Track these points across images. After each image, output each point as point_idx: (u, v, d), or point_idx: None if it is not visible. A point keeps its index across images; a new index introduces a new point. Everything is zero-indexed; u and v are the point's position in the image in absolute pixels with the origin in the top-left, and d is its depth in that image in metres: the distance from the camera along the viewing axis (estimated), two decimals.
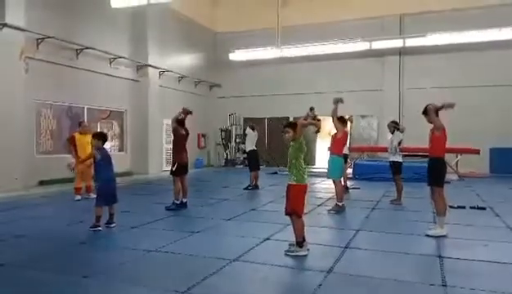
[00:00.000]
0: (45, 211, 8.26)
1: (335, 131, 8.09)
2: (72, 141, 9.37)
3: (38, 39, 11.43)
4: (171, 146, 8.74)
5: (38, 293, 3.80)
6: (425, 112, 6.04)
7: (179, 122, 8.16)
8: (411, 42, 15.95)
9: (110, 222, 6.41)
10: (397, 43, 16.43)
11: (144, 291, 3.84)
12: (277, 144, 19.66)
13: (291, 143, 5.04)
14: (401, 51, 17.31)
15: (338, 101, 7.82)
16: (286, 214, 5.05)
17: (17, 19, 10.50)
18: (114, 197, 6.46)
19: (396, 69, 17.61)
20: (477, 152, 14.43)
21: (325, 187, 11.36)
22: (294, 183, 4.98)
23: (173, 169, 8.07)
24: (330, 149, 8.28)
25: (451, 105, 5.92)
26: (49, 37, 11.57)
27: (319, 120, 6.19)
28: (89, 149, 7.72)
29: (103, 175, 6.43)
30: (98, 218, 6.23)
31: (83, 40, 12.83)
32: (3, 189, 9.74)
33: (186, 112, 8.21)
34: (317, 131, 5.55)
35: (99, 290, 3.91)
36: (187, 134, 8.35)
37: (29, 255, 5.03)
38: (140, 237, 5.95)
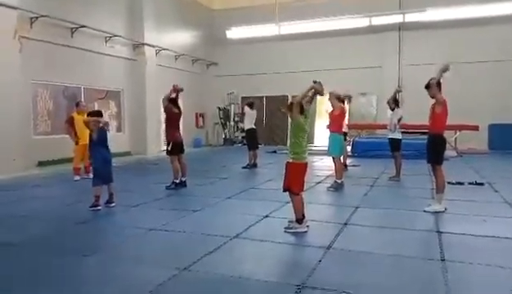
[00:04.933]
0: (44, 191, 8.27)
1: (332, 109, 8.07)
2: (71, 122, 9.32)
3: (31, 18, 11.23)
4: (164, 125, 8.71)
5: (39, 273, 3.82)
6: (428, 86, 5.97)
7: (172, 101, 8.08)
8: (411, 18, 15.74)
9: (109, 202, 6.41)
10: (396, 19, 16.20)
11: (144, 268, 3.86)
12: (276, 123, 19.63)
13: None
14: (401, 27, 17.08)
15: (345, 97, 7.85)
16: (283, 190, 5.07)
17: None
18: (110, 176, 6.45)
19: (395, 45, 17.41)
20: (475, 128, 14.41)
21: (324, 165, 11.37)
22: (292, 160, 4.97)
23: (169, 149, 8.06)
24: (329, 126, 8.25)
25: (446, 68, 5.84)
26: (42, 16, 11.36)
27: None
28: (87, 129, 7.66)
29: (98, 154, 6.40)
30: (97, 198, 6.24)
31: (78, 18, 12.61)
32: (2, 171, 9.72)
33: (177, 90, 8.08)
34: (320, 94, 5.13)
35: (99, 269, 3.93)
36: (180, 112, 8.32)
37: (30, 235, 5.04)
38: (140, 216, 5.97)
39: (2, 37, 10.11)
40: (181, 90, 8.16)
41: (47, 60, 11.80)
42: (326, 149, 8.29)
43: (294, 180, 4.98)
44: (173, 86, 8.11)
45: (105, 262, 4.07)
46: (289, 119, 5.12)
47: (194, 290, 3.44)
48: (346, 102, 9.00)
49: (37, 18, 11.29)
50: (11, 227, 5.45)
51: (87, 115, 6.66)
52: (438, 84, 5.86)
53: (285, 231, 4.96)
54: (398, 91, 9.77)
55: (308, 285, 3.42)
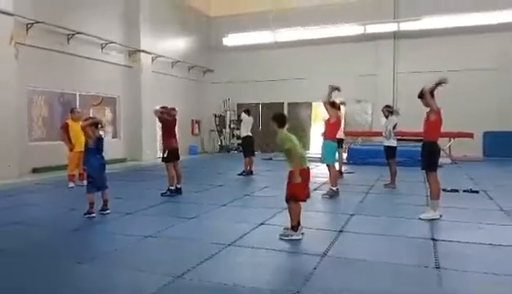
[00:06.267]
0: (39, 198, 8.23)
1: (328, 117, 8.07)
2: (65, 129, 9.29)
3: (27, 24, 11.23)
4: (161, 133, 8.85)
5: (34, 280, 3.79)
6: (421, 95, 6.03)
7: (164, 110, 8.21)
8: (406, 26, 15.86)
9: (104, 209, 6.38)
10: (391, 27, 16.33)
11: (139, 276, 3.84)
12: (272, 130, 19.60)
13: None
14: (396, 35, 17.22)
15: (334, 89, 7.78)
16: (286, 200, 5.02)
17: (5, 3, 10.29)
18: (104, 182, 6.43)
19: (390, 52, 17.53)
20: (470, 136, 14.49)
21: (319, 172, 11.37)
22: (291, 169, 4.97)
23: (165, 156, 8.09)
24: (323, 134, 8.27)
25: (443, 81, 5.88)
26: (38, 22, 11.36)
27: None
28: (82, 136, 7.65)
29: (94, 161, 6.38)
30: (91, 205, 6.21)
31: (74, 25, 12.62)
32: None
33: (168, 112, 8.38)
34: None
35: (94, 276, 3.91)
36: (175, 119, 8.42)
37: (25, 242, 5.01)
38: (135, 223, 5.95)
39: None
40: (174, 112, 8.48)
41: (42, 67, 11.78)
42: (320, 156, 8.29)
43: (299, 187, 4.91)
44: (172, 109, 8.47)
45: (99, 270, 4.04)
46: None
47: None
48: (342, 106, 8.99)
49: (33, 24, 11.29)
50: (4, 234, 5.40)
51: (90, 125, 6.54)
52: (432, 93, 5.91)
53: (281, 238, 4.94)
54: (396, 112, 9.51)
55: (304, 293, 3.41)
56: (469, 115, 15.42)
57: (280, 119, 5.09)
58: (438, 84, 5.90)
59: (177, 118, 8.60)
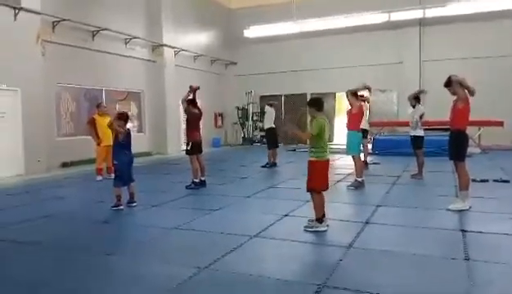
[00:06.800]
0: (68, 191, 8.45)
1: (350, 107, 7.98)
2: (92, 123, 9.49)
3: (53, 22, 11.48)
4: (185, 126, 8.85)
5: (64, 272, 3.90)
6: (448, 83, 5.85)
7: (191, 102, 8.20)
8: (431, 13, 15.42)
9: (131, 201, 6.51)
10: (416, 14, 15.91)
11: (165, 267, 3.90)
12: (295, 121, 19.53)
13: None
14: (421, 22, 16.78)
15: (365, 88, 7.81)
16: (307, 191, 5.03)
17: (33, 2, 10.54)
18: (130, 176, 6.54)
19: (416, 40, 17.11)
20: (500, 124, 14.04)
21: (344, 163, 11.27)
22: (314, 159, 4.94)
23: (189, 149, 8.16)
24: (347, 124, 8.18)
25: (473, 92, 5.69)
26: (64, 20, 11.60)
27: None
28: (109, 131, 7.79)
29: (123, 156, 6.49)
30: (119, 197, 6.34)
31: (98, 21, 12.84)
32: (27, 171, 10.00)
33: (194, 89, 8.22)
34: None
35: (122, 267, 3.99)
36: (201, 113, 8.42)
37: (56, 234, 5.16)
38: (161, 215, 6.04)
39: (25, 42, 10.37)
40: (198, 88, 8.29)
41: (68, 63, 12.04)
42: (345, 147, 8.21)
43: (314, 178, 4.93)
44: (190, 86, 8.25)
45: (128, 261, 4.13)
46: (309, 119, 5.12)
47: (214, 289, 3.46)
48: (368, 93, 8.90)
49: (59, 22, 11.53)
50: (36, 227, 5.58)
51: (118, 117, 6.63)
52: (459, 83, 5.73)
53: (305, 230, 4.93)
54: (421, 92, 9.52)
55: (329, 284, 3.39)
56: (499, 103, 14.94)
57: (318, 103, 5.01)
58: (467, 88, 5.70)
59: (202, 111, 8.61)
